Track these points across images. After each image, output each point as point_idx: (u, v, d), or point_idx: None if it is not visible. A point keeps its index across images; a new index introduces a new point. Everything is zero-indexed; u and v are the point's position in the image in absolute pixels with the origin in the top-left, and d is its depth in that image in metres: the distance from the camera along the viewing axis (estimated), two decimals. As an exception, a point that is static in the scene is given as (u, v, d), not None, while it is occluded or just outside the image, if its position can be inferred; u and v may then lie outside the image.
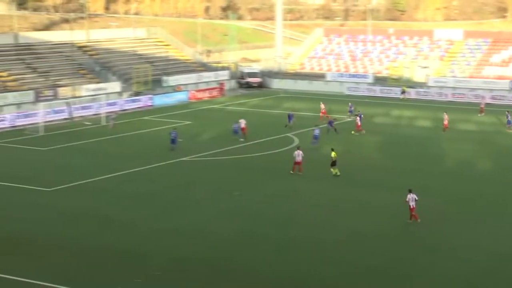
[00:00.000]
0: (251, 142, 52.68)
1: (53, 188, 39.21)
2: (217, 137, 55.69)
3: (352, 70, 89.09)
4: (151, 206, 36.26)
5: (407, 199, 33.32)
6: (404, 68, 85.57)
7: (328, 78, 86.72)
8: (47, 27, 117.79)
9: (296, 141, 53.40)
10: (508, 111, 61.66)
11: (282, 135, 55.91)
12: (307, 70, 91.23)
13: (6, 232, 31.84)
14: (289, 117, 59.43)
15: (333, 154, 42.46)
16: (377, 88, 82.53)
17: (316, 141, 50.96)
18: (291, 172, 42.76)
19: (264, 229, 32.69)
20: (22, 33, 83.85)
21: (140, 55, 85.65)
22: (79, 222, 33.41)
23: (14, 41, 76.79)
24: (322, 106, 64.22)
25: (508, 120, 59.99)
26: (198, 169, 44.98)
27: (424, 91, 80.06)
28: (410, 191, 33.45)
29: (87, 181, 41.06)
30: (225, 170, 44.56)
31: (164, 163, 45.96)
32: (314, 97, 79.93)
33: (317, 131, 51.54)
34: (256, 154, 48.53)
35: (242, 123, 54.76)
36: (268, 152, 49.40)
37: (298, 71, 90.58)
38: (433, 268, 28.15)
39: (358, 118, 58.00)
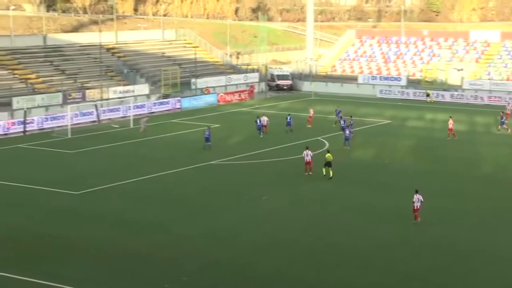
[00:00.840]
0: (281, 146, 52.65)
1: (80, 192, 39.58)
2: (246, 140, 55.73)
3: (384, 73, 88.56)
4: (179, 210, 36.40)
5: (413, 200, 33.85)
6: (438, 70, 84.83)
7: (360, 81, 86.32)
8: (75, 29, 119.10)
9: (327, 145, 53.25)
10: (503, 112, 62.28)
11: (313, 139, 55.76)
12: (338, 72, 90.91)
13: (33, 235, 32.22)
14: (288, 120, 58.54)
15: (328, 155, 42.83)
16: (410, 91, 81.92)
17: (348, 142, 51.39)
18: (305, 173, 43.12)
19: (294, 234, 32.61)
20: (50, 35, 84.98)
21: (169, 57, 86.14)
22: (106, 225, 33.67)
23: (42, 43, 77.82)
24: (311, 111, 62.87)
25: (501, 121, 60.39)
26: (226, 173, 45.05)
27: (459, 94, 79.26)
28: (416, 192, 34.05)
29: (114, 184, 41.37)
30: (254, 174, 44.58)
31: (192, 166, 46.11)
32: (346, 100, 79.67)
33: (347, 132, 51.64)
34: (286, 158, 48.46)
35: (264, 120, 56.80)
36: (298, 156, 49.26)
37: (329, 73, 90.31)
38: (471, 276, 27.81)
39: (342, 122, 57.31)
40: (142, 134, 57.19)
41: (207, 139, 51.10)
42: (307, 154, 43.32)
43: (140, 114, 65.93)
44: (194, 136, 56.82)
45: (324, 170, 42.69)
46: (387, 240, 31.88)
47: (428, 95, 79.43)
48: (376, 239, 32.05)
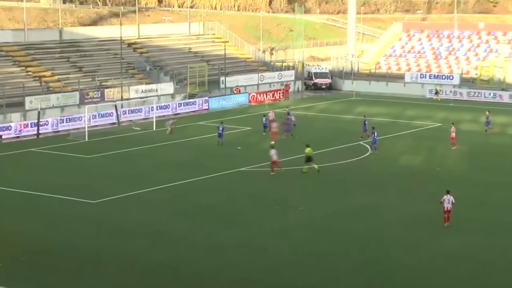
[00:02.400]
0: (318, 151, 52.47)
1: (98, 200, 39.95)
2: (280, 144, 55.65)
3: (435, 70, 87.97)
4: (206, 221, 36.52)
5: (442, 200, 34.89)
6: (495, 68, 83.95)
7: (407, 79, 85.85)
8: (94, 22, 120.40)
9: (370, 151, 53.00)
10: (488, 111, 62.13)
11: (354, 143, 55.58)
12: (383, 70, 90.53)
13: (49, 247, 32.57)
14: (287, 124, 58.55)
15: (307, 150, 44.75)
16: (464, 91, 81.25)
17: (375, 145, 51.76)
18: (272, 173, 45.17)
19: (334, 248, 32.55)
20: (67, 29, 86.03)
21: (196, 53, 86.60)
22: (128, 237, 33.91)
23: (58, 37, 78.78)
24: (272, 114, 61.58)
25: (487, 121, 60.50)
26: (258, 180, 45.10)
27: (519, 94, 78.37)
28: (448, 192, 35.01)
29: (135, 192, 41.66)
30: (288, 182, 44.52)
31: (220, 173, 46.25)
32: (391, 101, 79.27)
33: (375, 134, 52.05)
34: (324, 164, 48.34)
35: (271, 115, 59.73)
36: (338, 162, 49.17)
37: (373, 71, 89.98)
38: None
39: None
40: (167, 136, 57.50)
41: (220, 135, 54.46)
42: (274, 153, 45.43)
43: (164, 116, 66.33)
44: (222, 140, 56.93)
45: (304, 168, 44.56)
46: (438, 256, 31.61)
47: (436, 92, 79.34)
48: (427, 254, 31.82)
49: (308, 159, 45.28)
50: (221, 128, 54.79)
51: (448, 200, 34.95)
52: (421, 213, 37.99)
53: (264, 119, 59.56)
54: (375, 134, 52.05)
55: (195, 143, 56.23)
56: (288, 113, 61.32)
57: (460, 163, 50.18)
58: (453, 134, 54.14)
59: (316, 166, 45.11)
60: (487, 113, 61.76)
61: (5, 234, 34.34)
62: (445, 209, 34.99)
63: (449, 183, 44.06)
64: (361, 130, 57.39)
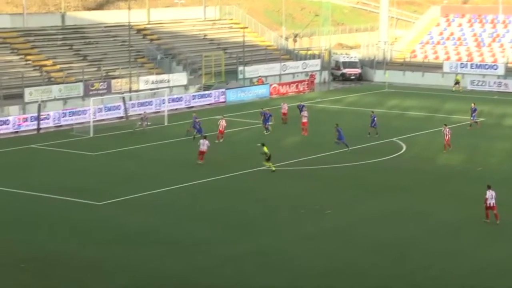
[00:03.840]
0: (348, 149, 52.28)
1: (104, 202, 39.99)
2: (305, 141, 55.61)
3: (477, 59, 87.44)
4: (223, 226, 36.45)
5: (487, 196, 35.86)
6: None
7: (446, 69, 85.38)
8: (100, 6, 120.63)
9: (404, 148, 52.76)
10: (474, 103, 61.34)
11: (387, 140, 55.33)
12: (419, 59, 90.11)
13: (49, 253, 32.64)
14: (265, 116, 58.58)
15: (265, 148, 45.64)
16: (510, 81, 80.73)
17: (343, 141, 51.53)
18: (199, 162, 47.43)
19: (367, 257, 32.36)
20: (70, 13, 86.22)
21: (211, 40, 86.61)
22: (135, 244, 33.91)
23: (60, 22, 79.07)
24: (285, 106, 62.23)
25: (473, 115, 60.18)
26: (281, 180, 44.96)
27: None
28: (489, 187, 36.11)
29: (145, 193, 41.69)
30: (314, 183, 44.39)
31: (238, 173, 46.19)
32: (428, 93, 78.88)
33: (340, 132, 51.64)
34: (354, 163, 48.15)
35: (284, 107, 61.38)
36: (368, 161, 48.96)
37: (408, 60, 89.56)
38: None
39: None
40: (179, 132, 57.47)
41: (199, 131, 54.41)
42: (203, 144, 47.68)
43: (177, 109, 66.35)
44: (240, 136, 56.94)
45: (266, 163, 45.66)
46: (489, 266, 31.40)
47: (457, 82, 79.44)
48: (476, 264, 31.63)
49: (269, 158, 45.70)
50: (194, 118, 54.85)
51: (491, 196, 35.81)
52: (464, 217, 37.73)
53: (263, 114, 58.47)
54: (340, 131, 51.33)
55: (210, 140, 56.01)
56: (301, 108, 60.67)
57: (504, 162, 49.83)
58: (448, 136, 51.56)
59: (270, 165, 45.74)
60: (472, 105, 60.39)
61: (3, 239, 34.46)
62: (489, 205, 35.91)
63: (492, 184, 43.76)
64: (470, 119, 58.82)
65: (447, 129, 52.07)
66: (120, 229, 35.89)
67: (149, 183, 43.57)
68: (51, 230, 35.78)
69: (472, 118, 60.30)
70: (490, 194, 35.88)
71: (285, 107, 62.17)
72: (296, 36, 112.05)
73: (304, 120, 57.72)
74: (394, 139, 55.74)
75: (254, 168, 46.97)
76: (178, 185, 43.37)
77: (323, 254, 32.79)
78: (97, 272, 30.57)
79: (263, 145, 46.20)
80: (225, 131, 55.20)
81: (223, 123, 55.36)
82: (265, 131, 57.50)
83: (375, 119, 56.69)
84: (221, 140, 54.44)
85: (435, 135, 57.02)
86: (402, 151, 52.17)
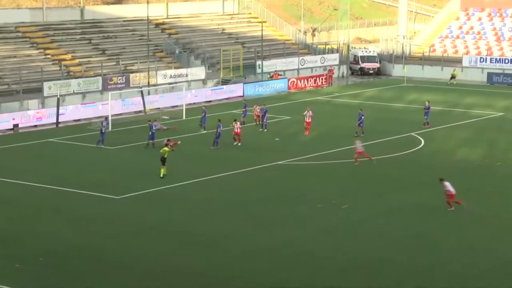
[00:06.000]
0: (366, 143, 52.19)
1: (122, 196, 40.20)
2: (322, 136, 55.55)
3: (496, 54, 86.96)
4: (239, 221, 36.55)
5: (446, 188, 37.15)
6: None
7: (465, 64, 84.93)
8: (118, 1, 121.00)
9: (422, 143, 52.62)
10: (428, 101, 59.09)
11: (405, 135, 55.19)
12: (438, 53, 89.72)
13: (69, 247, 32.87)
14: (245, 107, 58.66)
15: (165, 148, 43.47)
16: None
17: (216, 144, 50.81)
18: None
19: (386, 253, 32.32)
20: (89, 8, 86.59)
21: (230, 34, 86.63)
22: (154, 238, 34.09)
23: (79, 17, 79.38)
24: (257, 108, 58.59)
25: (426, 112, 57.66)
26: (297, 175, 45.04)
27: None
28: (441, 180, 37.57)
29: (162, 187, 41.85)
30: (331, 178, 44.46)
31: (255, 167, 46.24)
32: (447, 88, 78.58)
33: (220, 127, 50.96)
34: (372, 158, 48.03)
35: (257, 109, 57.78)
36: (386, 156, 48.85)
37: (427, 54, 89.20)
38: None
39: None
40: (197, 126, 57.48)
41: (203, 120, 55.24)
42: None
43: (195, 103, 66.47)
44: (257, 130, 56.92)
45: (162, 170, 43.20)
46: (509, 263, 31.29)
47: (453, 76, 79.15)
48: (496, 258, 31.54)
49: (163, 161, 43.21)
50: (153, 127, 51.13)
51: (449, 185, 37.24)
52: (483, 212, 37.66)
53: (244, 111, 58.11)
54: (220, 127, 50.71)
55: (226, 134, 56.06)
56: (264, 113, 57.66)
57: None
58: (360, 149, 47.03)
59: (164, 173, 43.10)
60: (427, 103, 58.31)
61: (23, 232, 34.73)
62: (450, 193, 37.16)
63: (511, 179, 43.71)
64: (423, 118, 57.18)
65: (358, 144, 47.33)
66: (138, 223, 36.04)
67: (167, 177, 43.61)
68: (69, 224, 36.00)
69: (425, 116, 57.65)
70: (447, 184, 37.26)
71: (257, 109, 58.23)
72: (314, 30, 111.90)
73: (308, 120, 54.82)
74: (412, 133, 55.58)
75: (272, 162, 46.98)
76: (196, 179, 43.45)
77: (340, 249, 32.77)
78: (116, 266, 30.76)
79: (166, 145, 43.97)
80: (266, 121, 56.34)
81: (255, 110, 57.29)
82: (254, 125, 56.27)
83: (363, 117, 54.39)
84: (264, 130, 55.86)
85: (454, 130, 56.87)
86: (420, 146, 52.02)
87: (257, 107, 58.62)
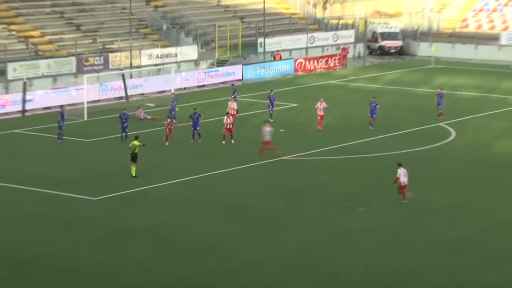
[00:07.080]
0: (386, 135, 52.22)
1: (100, 197, 40.19)
2: (336, 126, 55.54)
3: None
4: (239, 225, 36.60)
5: (398, 175, 38.33)
6: None
7: (503, 41, 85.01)
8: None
9: (453, 134, 52.60)
10: (441, 88, 59.47)
11: (433, 125, 55.20)
12: (471, 29, 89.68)
13: (36, 257, 32.85)
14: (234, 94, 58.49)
15: (135, 142, 43.07)
16: None
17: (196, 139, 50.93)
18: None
19: (407, 262, 32.38)
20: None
21: (226, 7, 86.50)
22: (136, 245, 34.10)
23: (50, -13, 79.27)
24: (233, 106, 56.61)
25: (439, 101, 57.33)
26: (306, 172, 45.10)
27: None
28: (400, 165, 38.61)
29: (146, 187, 41.85)
30: (345, 175, 44.57)
31: (257, 163, 46.28)
32: (482, 70, 78.56)
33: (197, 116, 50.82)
34: (394, 152, 48.07)
35: (321, 107, 54.73)
36: (410, 150, 48.85)
37: (458, 30, 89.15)
38: None
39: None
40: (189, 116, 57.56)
41: (172, 110, 54.38)
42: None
43: (185, 88, 66.37)
44: (259, 121, 56.87)
45: (132, 167, 43.07)
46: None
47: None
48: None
49: (134, 157, 43.02)
50: (124, 118, 51.28)
51: (403, 174, 38.37)
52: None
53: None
54: (198, 115, 50.71)
55: (216, 125, 55.90)
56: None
57: None
58: (268, 137, 47.58)
59: (134, 170, 42.97)
60: (439, 90, 58.19)
61: (-19, 239, 34.78)
62: (401, 184, 38.45)
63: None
64: (436, 108, 57.02)
65: (267, 127, 47.94)
66: (118, 229, 36.01)
67: (152, 174, 43.71)
68: (38, 230, 35.98)
69: (438, 106, 57.10)
70: (402, 172, 38.33)
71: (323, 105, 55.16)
72: (326, 2, 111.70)
73: (321, 113, 53.88)
74: (441, 124, 55.60)
75: (276, 157, 47.02)
76: (187, 177, 43.49)
77: (355, 258, 32.83)
78: (91, 277, 30.73)
79: (136, 138, 43.71)
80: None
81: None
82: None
83: (377, 106, 54.03)
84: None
85: (489, 119, 56.90)
86: (451, 138, 52.02)
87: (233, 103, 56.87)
